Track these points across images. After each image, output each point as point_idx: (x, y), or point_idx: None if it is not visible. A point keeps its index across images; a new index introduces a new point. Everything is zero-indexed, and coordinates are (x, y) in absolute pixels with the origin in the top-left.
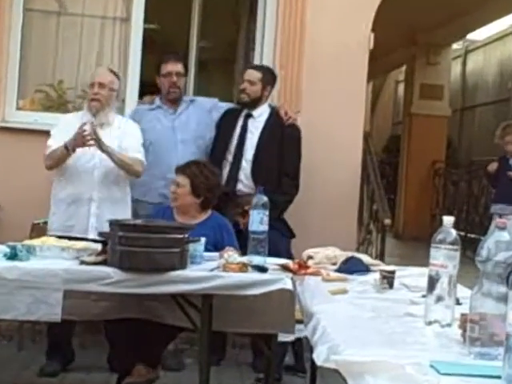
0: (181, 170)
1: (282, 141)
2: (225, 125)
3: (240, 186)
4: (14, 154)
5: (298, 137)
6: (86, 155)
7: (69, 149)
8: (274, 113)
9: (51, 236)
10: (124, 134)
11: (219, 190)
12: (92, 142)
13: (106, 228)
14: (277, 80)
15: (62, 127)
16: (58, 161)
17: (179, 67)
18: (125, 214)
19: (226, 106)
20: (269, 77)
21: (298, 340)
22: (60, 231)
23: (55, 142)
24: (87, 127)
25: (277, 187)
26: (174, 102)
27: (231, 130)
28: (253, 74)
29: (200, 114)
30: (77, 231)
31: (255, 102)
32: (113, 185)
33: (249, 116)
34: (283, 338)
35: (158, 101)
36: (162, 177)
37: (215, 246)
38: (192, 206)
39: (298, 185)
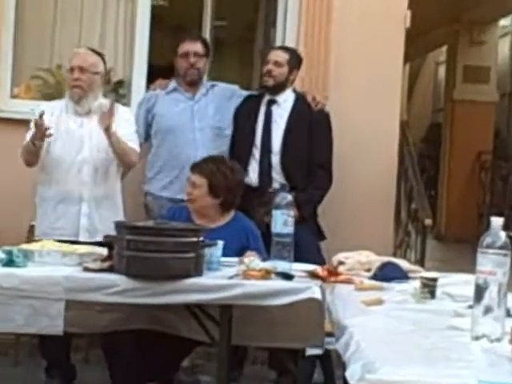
0: (197, 168)
1: (311, 129)
2: (245, 114)
3: (274, 184)
4: (8, 147)
5: (329, 123)
6: (74, 147)
7: (34, 143)
8: (301, 98)
9: (37, 241)
10: (118, 120)
11: (241, 189)
12: (50, 132)
13: (99, 230)
14: (302, 64)
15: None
16: (30, 155)
17: (198, 47)
18: (117, 213)
19: (245, 94)
20: (295, 59)
21: (326, 353)
22: (47, 235)
23: (28, 136)
24: (45, 117)
25: (308, 181)
26: (193, 85)
27: (253, 121)
28: (280, 55)
29: (220, 102)
30: (66, 234)
31: (280, 87)
32: (103, 181)
33: (272, 102)
34: (310, 351)
35: (173, 83)
36: (180, 168)
37: (240, 252)
38: (211, 208)
39: (332, 176)
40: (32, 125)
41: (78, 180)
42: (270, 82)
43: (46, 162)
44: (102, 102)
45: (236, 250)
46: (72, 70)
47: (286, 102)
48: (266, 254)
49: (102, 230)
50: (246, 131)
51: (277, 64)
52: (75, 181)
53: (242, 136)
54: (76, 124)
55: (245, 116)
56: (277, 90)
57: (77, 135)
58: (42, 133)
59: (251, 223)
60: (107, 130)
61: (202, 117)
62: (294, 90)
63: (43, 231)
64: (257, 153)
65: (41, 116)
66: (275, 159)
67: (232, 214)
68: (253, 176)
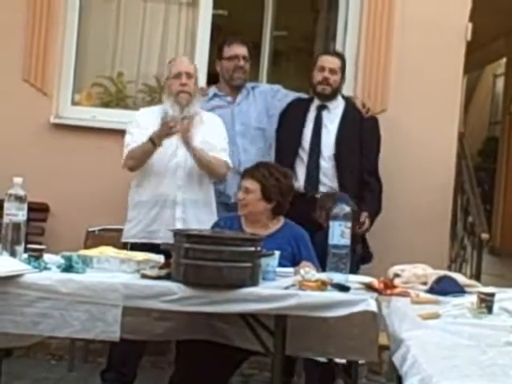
0: (249, 173)
1: (362, 135)
2: (292, 118)
3: (321, 189)
4: (68, 153)
5: (378, 130)
6: (168, 153)
7: (155, 141)
8: (350, 103)
9: (127, 243)
10: (207, 129)
11: (292, 194)
12: (177, 129)
13: None
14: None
15: (141, 123)
16: (142, 157)
17: (245, 51)
18: (210, 218)
19: (288, 93)
20: (344, 64)
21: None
22: (142, 238)
23: (134, 140)
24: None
25: (358, 188)
26: (236, 89)
27: (302, 124)
28: (334, 62)
29: (262, 103)
30: (162, 237)
31: (335, 93)
32: (197, 186)
33: (323, 107)
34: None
35: (213, 89)
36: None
37: (292, 260)
38: (263, 214)
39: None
40: (142, 130)
41: (173, 184)
42: (328, 90)
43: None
44: (200, 111)
45: (287, 257)
46: (179, 75)
47: (336, 108)
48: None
49: None
50: (294, 134)
51: (332, 72)
52: (170, 184)
53: (290, 139)
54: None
55: (292, 119)
56: (332, 96)
57: (173, 140)
58: (169, 130)
59: (303, 231)
60: (187, 143)
61: (242, 120)
62: (343, 96)
63: (135, 234)
64: (305, 156)
65: (166, 115)
66: (324, 164)
67: (282, 220)
68: (301, 178)
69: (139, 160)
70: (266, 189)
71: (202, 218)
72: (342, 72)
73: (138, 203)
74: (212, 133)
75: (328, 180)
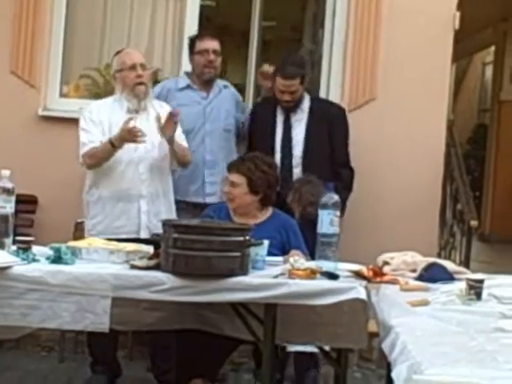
0: (234, 167)
1: (330, 128)
2: (262, 120)
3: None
4: (56, 145)
5: (345, 120)
6: (129, 147)
7: (115, 145)
8: (315, 99)
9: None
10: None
11: (278, 184)
12: (143, 139)
13: (157, 227)
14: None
15: (94, 118)
16: (102, 159)
17: (217, 44)
18: (170, 210)
19: (248, 108)
20: (305, 72)
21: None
22: (107, 234)
23: (90, 137)
24: (132, 123)
25: (331, 179)
26: (207, 83)
27: (272, 126)
28: (293, 84)
29: (230, 104)
30: (127, 232)
31: (298, 102)
32: (157, 178)
33: (289, 109)
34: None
35: (185, 79)
36: (189, 173)
37: (282, 249)
38: (251, 206)
39: (354, 174)
40: (97, 126)
41: (136, 178)
42: (292, 104)
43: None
44: (155, 102)
45: (277, 245)
46: (133, 67)
47: (302, 106)
48: (306, 249)
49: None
50: (266, 138)
51: (292, 93)
52: (133, 179)
53: (262, 142)
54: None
55: (263, 122)
56: (296, 105)
57: None
58: (134, 137)
59: (291, 220)
60: (170, 140)
61: (213, 119)
62: (308, 91)
63: (100, 230)
64: (278, 158)
65: (129, 120)
66: (296, 163)
67: (270, 210)
68: None
69: (99, 160)
70: (252, 182)
71: (161, 209)
72: (303, 82)
73: (100, 199)
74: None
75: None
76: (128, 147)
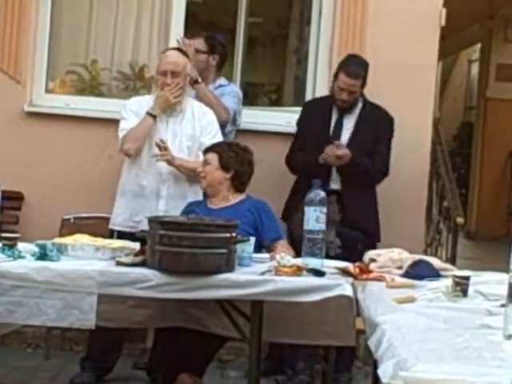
0: (209, 148)
1: (376, 134)
2: (316, 117)
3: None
4: (42, 141)
5: (392, 126)
6: (155, 147)
7: (154, 114)
8: (367, 104)
9: (114, 231)
10: (200, 127)
11: (252, 169)
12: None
13: None
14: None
15: (134, 110)
16: (141, 137)
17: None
18: None
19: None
20: (365, 75)
21: None
22: (126, 226)
23: (128, 124)
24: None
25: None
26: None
27: (326, 126)
28: (354, 84)
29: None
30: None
31: (353, 104)
32: (183, 179)
33: (343, 110)
34: None
35: None
36: None
37: (255, 228)
38: (222, 185)
39: (388, 169)
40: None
41: (158, 177)
42: (347, 104)
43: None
44: (189, 101)
45: (249, 223)
46: (164, 73)
47: (356, 108)
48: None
49: None
50: (319, 134)
51: (352, 93)
52: (155, 177)
53: (315, 137)
54: (160, 122)
55: (317, 119)
56: (351, 107)
57: (161, 134)
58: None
59: (264, 202)
60: (170, 164)
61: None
62: (363, 96)
63: (122, 221)
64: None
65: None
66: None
67: (244, 194)
68: None
69: (140, 137)
70: (223, 158)
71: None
72: (363, 84)
73: (125, 191)
74: (202, 131)
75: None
76: (154, 147)
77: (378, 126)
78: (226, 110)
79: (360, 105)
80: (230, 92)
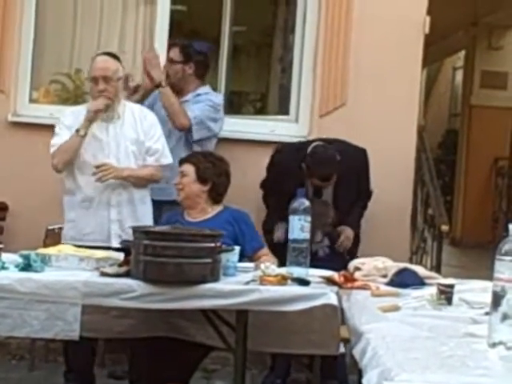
0: (184, 159)
1: (357, 177)
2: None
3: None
4: (26, 151)
5: (367, 161)
6: (100, 153)
7: (80, 131)
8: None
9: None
10: (142, 130)
11: (229, 180)
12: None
13: (130, 235)
14: None
15: (68, 124)
16: (70, 154)
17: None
18: (147, 217)
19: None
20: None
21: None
22: (77, 240)
23: (59, 140)
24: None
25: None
26: None
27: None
28: (328, 183)
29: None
30: (95, 240)
31: None
32: (131, 185)
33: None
34: None
35: None
36: None
37: (235, 240)
38: (200, 197)
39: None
40: (67, 131)
41: (106, 185)
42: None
43: (72, 166)
44: (127, 105)
45: (229, 236)
46: (95, 80)
47: None
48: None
49: None
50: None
51: (329, 183)
52: (102, 186)
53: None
54: (101, 130)
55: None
56: None
57: (103, 141)
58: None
59: (243, 213)
60: (118, 178)
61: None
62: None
63: (72, 236)
64: None
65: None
66: None
67: (221, 206)
68: None
69: (68, 154)
70: (200, 170)
71: (138, 215)
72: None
73: (72, 204)
74: (146, 134)
75: None
76: (96, 155)
77: (356, 168)
78: (186, 117)
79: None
80: (204, 100)
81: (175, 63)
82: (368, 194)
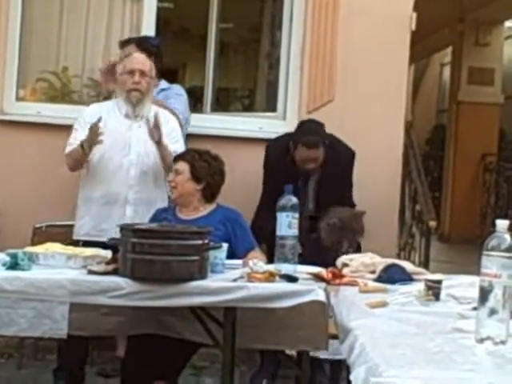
0: (178, 157)
1: (342, 173)
2: (279, 171)
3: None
4: (13, 150)
5: (353, 162)
6: (121, 150)
7: (84, 147)
8: (329, 148)
9: (80, 241)
10: (164, 132)
11: (223, 179)
12: (101, 139)
13: None
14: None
15: (87, 120)
16: (75, 162)
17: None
18: None
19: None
20: (324, 135)
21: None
22: (91, 236)
23: (76, 138)
24: (100, 124)
25: None
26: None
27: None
28: (318, 154)
29: None
30: (111, 236)
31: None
32: (152, 184)
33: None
34: (322, 354)
35: None
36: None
37: (228, 240)
38: (194, 196)
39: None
40: (87, 128)
41: (124, 182)
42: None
43: (92, 162)
44: (153, 107)
45: (221, 236)
46: (132, 72)
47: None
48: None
49: None
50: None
51: (315, 160)
52: (121, 183)
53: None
54: (125, 126)
55: (279, 172)
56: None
57: (125, 137)
58: (94, 137)
59: (236, 213)
60: (159, 142)
61: None
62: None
63: (87, 232)
64: None
65: (99, 121)
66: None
67: (214, 204)
68: None
69: (74, 162)
70: (194, 169)
71: (148, 216)
72: (324, 147)
73: (89, 199)
74: (167, 135)
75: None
76: (117, 151)
77: (342, 165)
78: (175, 115)
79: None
80: (174, 95)
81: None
82: (350, 203)
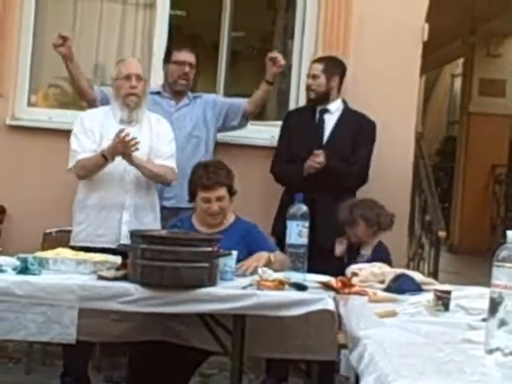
0: (215, 183)
1: (356, 138)
2: (300, 125)
3: None
4: (24, 155)
5: (374, 133)
6: (116, 158)
7: (107, 157)
8: (349, 110)
9: (76, 247)
10: (156, 135)
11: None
12: (137, 147)
13: None
14: (346, 69)
15: (87, 126)
16: (93, 171)
17: (193, 59)
18: (155, 222)
19: (224, 101)
20: (332, 66)
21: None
22: (88, 241)
23: (82, 147)
24: (126, 131)
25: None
26: (179, 94)
27: (308, 129)
28: (314, 68)
29: (200, 112)
30: (107, 241)
31: (323, 96)
32: (144, 190)
33: (324, 111)
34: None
35: (159, 87)
36: None
37: (249, 253)
38: (229, 208)
39: (364, 178)
40: (91, 135)
41: (121, 188)
42: (312, 95)
43: None
44: (146, 112)
45: (243, 253)
46: (129, 77)
47: (337, 110)
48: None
49: None
50: (305, 140)
51: (314, 77)
52: (118, 189)
53: (301, 145)
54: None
55: (300, 127)
56: (321, 99)
57: None
58: (127, 146)
59: (251, 223)
60: (130, 162)
61: (177, 127)
62: (344, 101)
63: (84, 238)
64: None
65: (120, 132)
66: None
67: (233, 216)
68: None
69: (90, 172)
70: (230, 188)
71: (145, 221)
72: (329, 74)
73: (86, 206)
74: (159, 138)
75: None
76: (117, 157)
77: (358, 129)
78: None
79: (340, 106)
80: (209, 97)
81: (194, 69)
82: (363, 172)
